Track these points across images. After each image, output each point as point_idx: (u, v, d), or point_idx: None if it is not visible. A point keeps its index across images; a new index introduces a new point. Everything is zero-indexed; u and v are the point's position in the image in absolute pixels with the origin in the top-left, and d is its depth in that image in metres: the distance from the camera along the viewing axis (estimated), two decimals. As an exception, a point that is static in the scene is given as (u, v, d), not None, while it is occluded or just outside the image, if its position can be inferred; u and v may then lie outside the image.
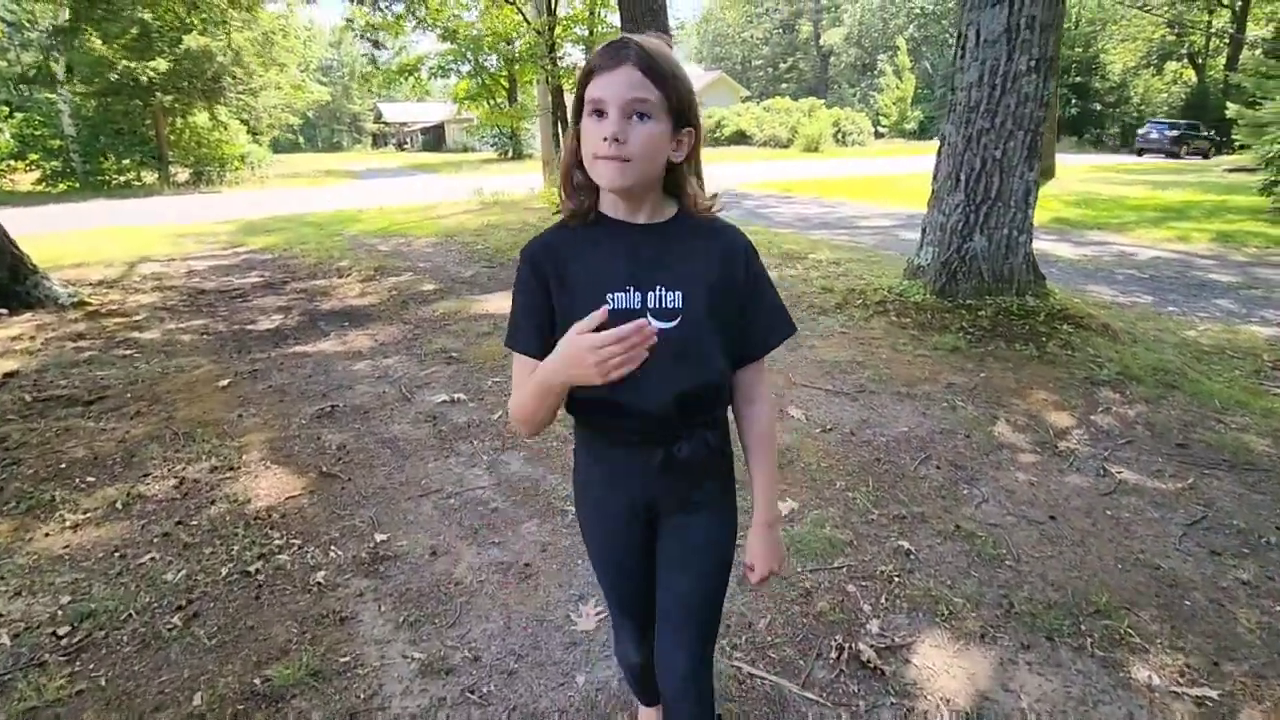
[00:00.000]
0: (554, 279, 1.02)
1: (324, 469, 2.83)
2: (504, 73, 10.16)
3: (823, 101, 38.10)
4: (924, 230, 4.80)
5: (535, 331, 1.03)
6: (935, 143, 4.82)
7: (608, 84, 0.91)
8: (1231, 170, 18.30)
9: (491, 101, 11.00)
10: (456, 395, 3.57)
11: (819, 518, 2.38)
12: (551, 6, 8.08)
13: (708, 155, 31.27)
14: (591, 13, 8.64)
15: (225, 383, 3.79)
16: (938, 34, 47.18)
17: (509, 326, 1.07)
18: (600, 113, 0.92)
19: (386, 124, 55.45)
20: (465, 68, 10.87)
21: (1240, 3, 31.81)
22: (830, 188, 14.60)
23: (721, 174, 18.99)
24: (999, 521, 2.35)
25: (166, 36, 18.07)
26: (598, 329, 0.87)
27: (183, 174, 19.74)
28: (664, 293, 1.00)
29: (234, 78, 21.01)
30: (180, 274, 6.92)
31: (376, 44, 8.74)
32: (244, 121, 22.74)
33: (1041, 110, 4.23)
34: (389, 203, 13.23)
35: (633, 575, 1.20)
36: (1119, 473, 2.67)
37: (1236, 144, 21.94)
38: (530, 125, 22.42)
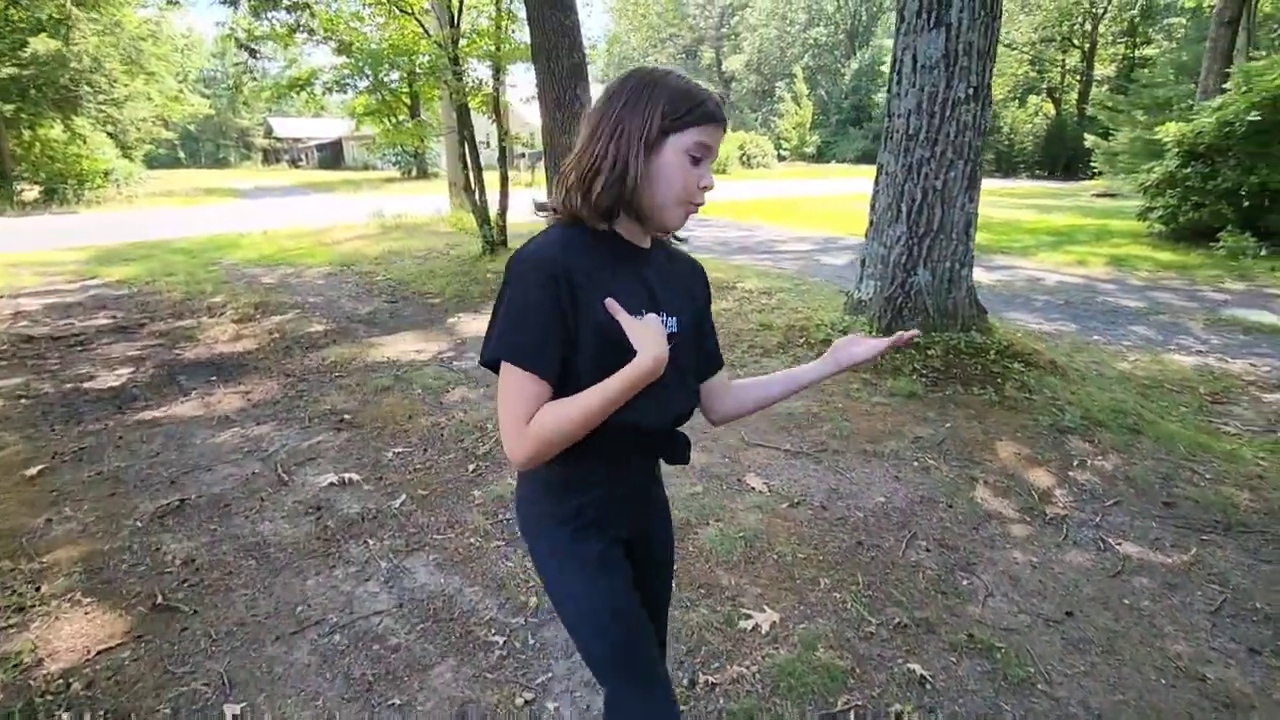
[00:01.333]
0: (564, 288, 0.93)
1: (160, 598, 2.12)
2: (405, 89, 9.43)
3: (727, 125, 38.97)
4: (863, 262, 4.57)
5: (557, 353, 0.94)
6: (834, 166, 4.61)
7: (715, 136, 0.97)
8: (1099, 195, 19.98)
9: (392, 119, 10.23)
10: (348, 475, 2.92)
11: (809, 635, 1.94)
12: (455, 20, 7.47)
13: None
14: (499, 28, 8.08)
15: (35, 470, 2.95)
16: (830, 64, 49.72)
17: (518, 342, 0.93)
18: (697, 160, 0.96)
19: (278, 139, 52.31)
20: (363, 83, 10.04)
21: (1089, 44, 35.40)
22: (744, 210, 14.64)
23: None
24: (1013, 624, 2.00)
25: (8, 39, 15.96)
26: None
27: (31, 192, 17.41)
28: (667, 318, 1.02)
29: (93, 87, 18.89)
30: (4, 315, 5.76)
31: (253, 53, 7.82)
32: (110, 135, 20.49)
33: (980, 140, 4.08)
34: (277, 225, 12.06)
35: (639, 614, 1.07)
36: (1119, 545, 2.40)
37: (1094, 171, 24.14)
38: (435, 144, 21.53)
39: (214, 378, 4.19)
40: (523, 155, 25.01)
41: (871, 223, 4.49)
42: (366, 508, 2.67)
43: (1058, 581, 2.19)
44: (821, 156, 42.18)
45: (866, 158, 34.66)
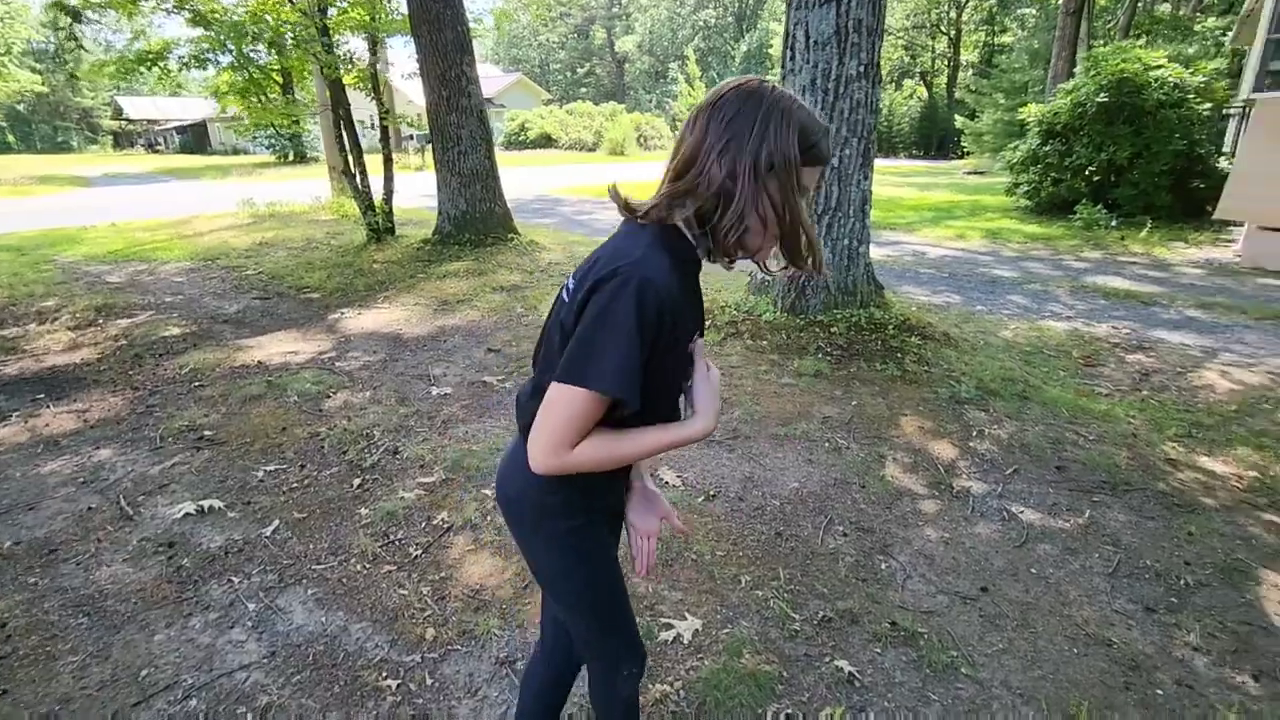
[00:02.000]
0: (667, 326, 0.89)
1: (-45, 680, 1.73)
2: (276, 64, 8.52)
3: (623, 106, 38.79)
4: (764, 242, 4.54)
5: (639, 375, 0.87)
6: None
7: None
8: (970, 173, 21.40)
9: (261, 97, 9.24)
10: (208, 502, 2.54)
11: (733, 640, 1.83)
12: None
13: (515, 159, 30.26)
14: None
15: None
16: (720, 46, 50.43)
17: (612, 368, 0.85)
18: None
19: (130, 121, 46.97)
20: (226, 57, 9.00)
21: (954, 32, 37.85)
22: (644, 191, 14.43)
23: (532, 178, 18.27)
24: (932, 606, 1.98)
25: None
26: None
27: None
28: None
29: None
30: None
31: (75, 15, 6.75)
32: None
33: (873, 117, 4.12)
34: (128, 217, 10.75)
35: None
36: (1021, 513, 2.45)
37: (964, 150, 25.92)
38: (314, 124, 19.93)
39: (41, 396, 3.59)
40: (411, 137, 23.70)
41: (771, 202, 4.45)
42: (231, 539, 2.33)
43: (970, 556, 2.21)
44: (716, 138, 42.71)
45: (759, 139, 35.22)
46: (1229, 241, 8.04)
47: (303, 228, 9.34)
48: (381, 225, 7.61)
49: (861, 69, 3.99)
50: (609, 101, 40.44)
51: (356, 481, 2.68)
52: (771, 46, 38.60)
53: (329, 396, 3.51)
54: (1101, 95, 9.04)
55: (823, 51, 3.95)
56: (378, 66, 7.83)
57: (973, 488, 2.62)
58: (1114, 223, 8.91)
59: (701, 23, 52.98)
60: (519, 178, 19.14)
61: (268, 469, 2.78)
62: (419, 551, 2.24)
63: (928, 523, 2.40)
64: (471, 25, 8.73)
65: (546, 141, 34.54)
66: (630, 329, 0.84)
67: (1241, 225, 7.62)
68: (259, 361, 4.06)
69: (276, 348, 4.35)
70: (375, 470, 2.77)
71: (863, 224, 4.27)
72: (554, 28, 61.59)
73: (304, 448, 2.97)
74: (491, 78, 43.60)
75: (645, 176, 18.95)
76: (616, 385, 0.85)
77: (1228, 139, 10.33)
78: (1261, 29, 9.30)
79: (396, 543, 2.30)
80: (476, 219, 7.10)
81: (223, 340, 4.54)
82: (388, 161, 7.66)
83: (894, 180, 17.90)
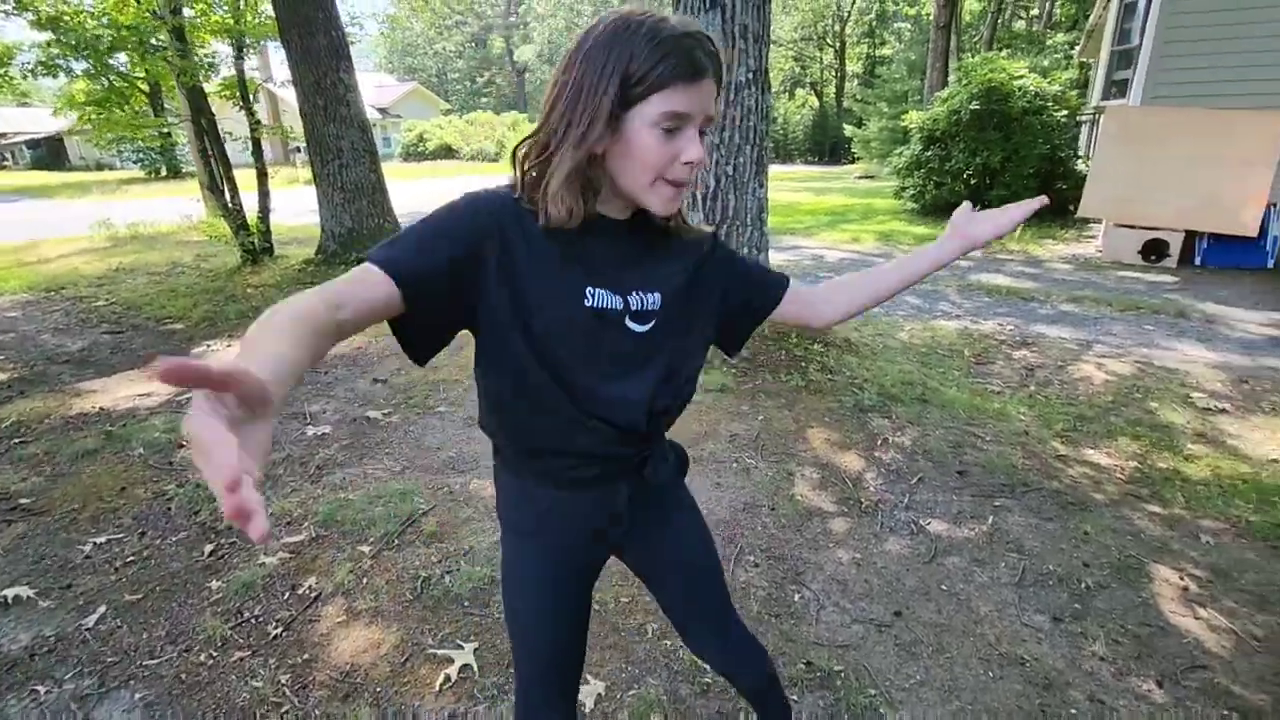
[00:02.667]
0: (491, 243, 0.81)
1: None
2: (139, 71, 7.64)
3: (525, 116, 38.31)
4: (665, 253, 4.43)
5: (418, 268, 0.77)
6: None
7: (694, 98, 0.78)
8: (860, 177, 22.48)
9: (124, 109, 8.31)
10: (15, 590, 2.11)
11: (640, 703, 1.66)
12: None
13: (415, 170, 29.19)
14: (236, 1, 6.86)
15: None
16: (621, 55, 50.70)
17: (394, 241, 0.80)
18: (673, 130, 0.79)
19: (-34, 134, 41.92)
20: (81, 65, 8.00)
21: (839, 44, 39.88)
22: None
23: (433, 190, 17.61)
24: (847, 639, 1.88)
25: None
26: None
27: None
28: (643, 293, 0.88)
29: None
30: None
31: None
32: None
33: (764, 124, 4.09)
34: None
35: (575, 621, 1.05)
36: (929, 524, 2.42)
37: (854, 156, 27.29)
38: (184, 135, 18.34)
39: None
40: (297, 149, 22.35)
41: (669, 212, 4.35)
42: (40, 636, 1.93)
43: (882, 578, 2.13)
44: (620, 146, 43.00)
45: (662, 147, 35.70)
46: (1090, 238, 8.72)
47: (169, 250, 8.49)
48: (258, 245, 6.99)
49: (750, 75, 3.95)
50: (511, 111, 39.83)
51: (208, 548, 2.32)
52: (669, 56, 39.11)
53: (182, 446, 3.08)
54: (973, 103, 9.62)
55: (712, 59, 3.88)
56: (247, 73, 7.22)
57: (881, 501, 2.58)
58: (992, 223, 9.46)
59: (600, 32, 53.15)
60: (419, 190, 18.40)
61: (97, 541, 2.37)
62: (279, 630, 1.93)
63: (839, 544, 2.32)
64: (350, 30, 8.24)
65: (447, 152, 33.57)
66: (433, 219, 0.84)
67: (1100, 223, 8.28)
68: (101, 408, 3.54)
69: (125, 391, 3.82)
70: (232, 533, 2.41)
71: (760, 233, 4.23)
72: (450, 36, 60.18)
73: (146, 511, 2.56)
74: (386, 87, 42.00)
75: (549, 186, 18.62)
76: (385, 249, 0.81)
77: (1081, 143, 11.27)
78: (1105, 43, 10.22)
79: (252, 621, 1.97)
80: (364, 236, 6.65)
81: (59, 385, 3.95)
82: (261, 176, 7.05)
83: (791, 186, 18.50)
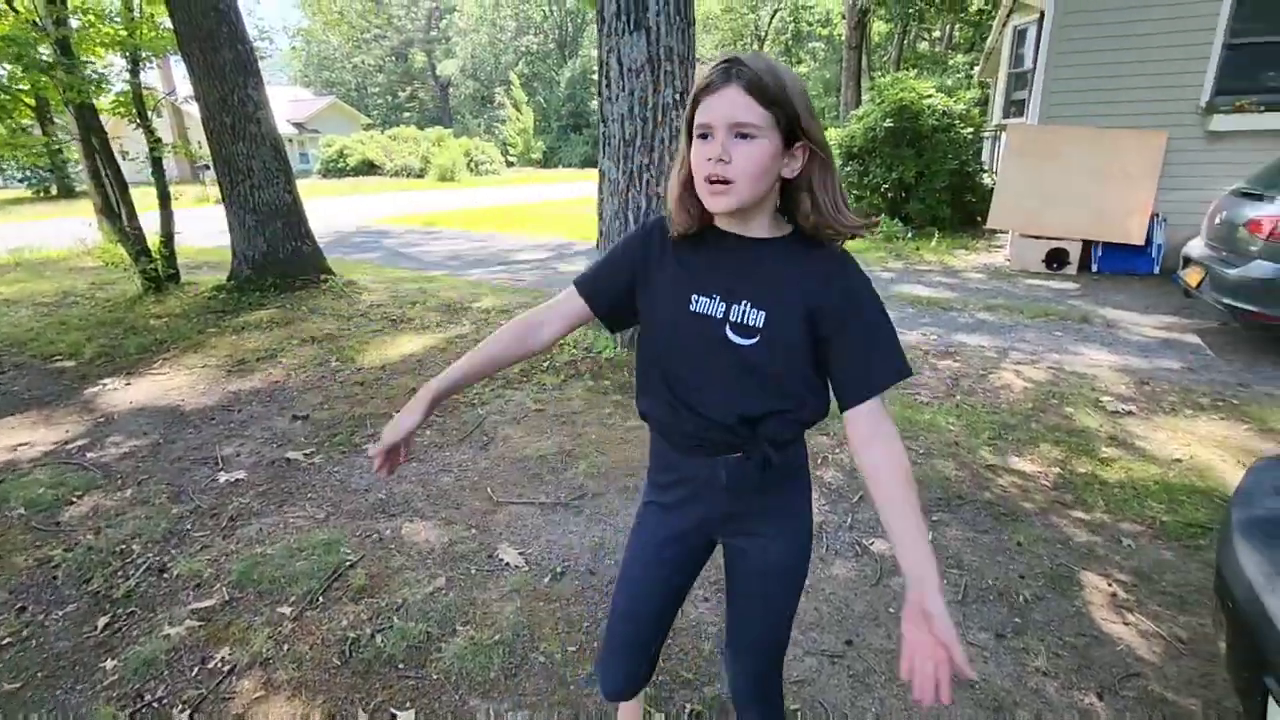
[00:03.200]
0: (645, 259, 1.07)
1: None
2: (24, 84, 6.94)
3: (450, 131, 37.65)
4: (599, 274, 4.37)
5: (603, 281, 1.12)
6: (562, 170, 4.43)
7: (713, 106, 0.92)
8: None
9: (8, 122, 7.54)
10: None
11: (592, 764, 1.57)
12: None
13: (335, 187, 28.08)
14: (130, 10, 6.42)
15: None
16: (544, 72, 50.80)
17: (594, 269, 1.15)
18: (705, 135, 0.93)
19: None
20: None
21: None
22: (476, 219, 14.01)
23: (355, 208, 16.98)
24: (803, 674, 1.84)
25: None
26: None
27: None
28: (748, 308, 0.99)
29: None
30: None
31: None
32: None
33: (694, 146, 4.11)
34: None
35: (649, 597, 1.20)
36: (871, 544, 2.44)
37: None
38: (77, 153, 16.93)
39: None
40: (206, 167, 21.12)
41: (601, 232, 4.30)
42: (-107, 744, 1.66)
43: (831, 605, 2.12)
44: (548, 162, 42.92)
45: (590, 162, 36.08)
46: (999, 248, 9.23)
47: (59, 279, 7.81)
48: (161, 272, 6.51)
49: (678, 96, 3.96)
50: (435, 126, 39.05)
51: (102, 622, 2.08)
52: (594, 72, 39.45)
53: (72, 503, 2.78)
54: (887, 121, 10.05)
55: (637, 79, 3.88)
56: (143, 89, 6.74)
57: (824, 522, 2.58)
58: (909, 235, 9.90)
59: (524, 48, 53.03)
60: (339, 208, 17.71)
61: (-34, 624, 2.08)
62: (186, 713, 1.74)
63: (786, 569, 2.30)
64: (260, 44, 7.86)
65: (369, 168, 32.57)
66: (615, 245, 1.15)
67: (1007, 233, 8.78)
68: (-28, 464, 3.17)
69: (2, 441, 3.44)
70: (131, 601, 2.17)
71: (694, 252, 4.24)
72: (369, 50, 58.62)
73: (26, 582, 2.28)
74: (302, 101, 40.52)
75: (479, 202, 18.34)
76: (582, 276, 1.15)
77: (985, 158, 11.97)
78: (1002, 66, 10.91)
79: (154, 705, 1.77)
80: (280, 260, 6.29)
81: (-78, 437, 3.51)
82: (164, 198, 6.58)
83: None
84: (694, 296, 1.01)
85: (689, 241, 1.03)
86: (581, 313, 1.12)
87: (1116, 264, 7.51)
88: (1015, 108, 9.82)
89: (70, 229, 10.81)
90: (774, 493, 1.09)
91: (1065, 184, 7.44)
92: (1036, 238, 7.75)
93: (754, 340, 0.98)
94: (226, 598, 2.16)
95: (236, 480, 2.96)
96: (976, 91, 17.22)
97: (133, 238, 6.24)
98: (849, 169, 10.76)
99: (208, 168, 20.81)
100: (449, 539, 2.46)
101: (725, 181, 0.92)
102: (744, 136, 0.91)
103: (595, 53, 3.86)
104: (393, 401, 3.73)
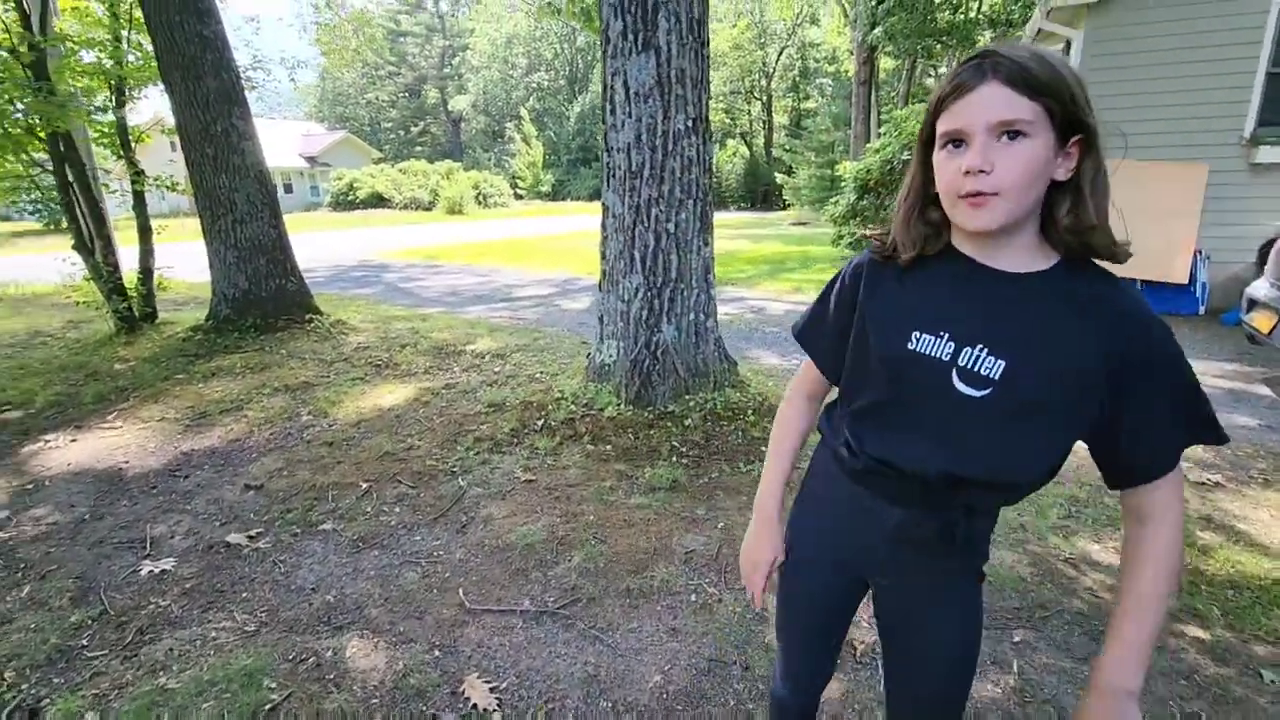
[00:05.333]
0: (859, 293, 0.96)
1: None
2: (34, 115, 6.66)
3: (459, 165, 37.87)
4: (601, 319, 3.91)
5: (826, 337, 1.03)
6: (570, 203, 4.01)
7: (966, 108, 0.79)
8: (794, 224, 22.87)
9: (17, 156, 7.27)
10: None
11: None
12: (39, 23, 5.44)
13: (343, 220, 28.34)
14: (116, 39, 6.14)
15: None
16: (554, 107, 51.35)
17: (806, 313, 1.08)
18: (957, 143, 0.81)
19: None
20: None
21: (766, 97, 41.48)
22: (481, 253, 13.70)
23: (359, 241, 16.75)
24: None
25: None
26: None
27: None
28: (983, 354, 0.83)
29: None
30: None
31: None
32: None
33: (708, 177, 3.68)
34: None
35: (810, 626, 1.16)
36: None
37: (786, 203, 28.12)
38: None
39: None
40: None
41: (604, 272, 3.86)
42: None
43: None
44: (557, 195, 43.09)
45: (599, 195, 35.96)
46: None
47: (37, 315, 7.45)
48: (137, 311, 6.11)
49: (690, 123, 3.55)
50: (445, 160, 39.30)
51: (-64, 792, 1.58)
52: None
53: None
54: (905, 153, 9.69)
55: (646, 104, 3.47)
56: (148, 116, 6.46)
57: (876, 642, 2.06)
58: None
59: (535, 84, 53.75)
60: (344, 240, 17.52)
61: None
62: None
63: (833, 717, 1.77)
64: (252, 74, 7.59)
65: (378, 201, 32.66)
66: (827, 286, 1.05)
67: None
68: None
69: (-85, 513, 2.96)
70: (-16, 758, 1.67)
71: (707, 295, 3.78)
72: (383, 86, 59.61)
73: None
74: (314, 135, 41.03)
75: (485, 235, 18.07)
76: (800, 325, 1.11)
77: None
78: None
79: None
80: (263, 299, 5.88)
81: None
82: (144, 232, 6.22)
83: (729, 233, 18.53)
84: (915, 333, 0.88)
85: (916, 267, 0.91)
86: (824, 381, 1.08)
87: (1158, 304, 7.00)
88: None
89: (66, 263, 10.54)
90: (947, 559, 0.96)
91: (1101, 219, 6.99)
92: (1070, 275, 7.28)
93: (985, 392, 0.83)
94: (103, 759, 1.66)
95: (161, 573, 2.46)
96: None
97: (106, 274, 5.85)
98: (864, 202, 10.39)
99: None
100: (403, 665, 1.95)
101: (991, 194, 0.79)
102: (1010, 136, 0.78)
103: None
104: (361, 468, 3.24)
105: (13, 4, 5.37)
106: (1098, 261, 0.85)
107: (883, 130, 11.40)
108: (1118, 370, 0.80)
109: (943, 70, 33.78)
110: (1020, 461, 0.86)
